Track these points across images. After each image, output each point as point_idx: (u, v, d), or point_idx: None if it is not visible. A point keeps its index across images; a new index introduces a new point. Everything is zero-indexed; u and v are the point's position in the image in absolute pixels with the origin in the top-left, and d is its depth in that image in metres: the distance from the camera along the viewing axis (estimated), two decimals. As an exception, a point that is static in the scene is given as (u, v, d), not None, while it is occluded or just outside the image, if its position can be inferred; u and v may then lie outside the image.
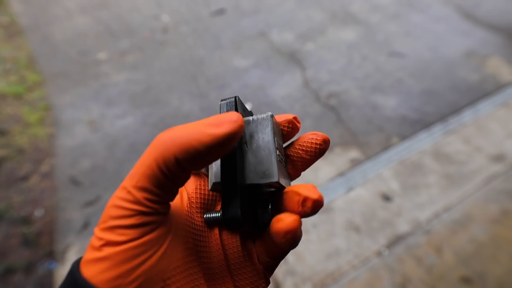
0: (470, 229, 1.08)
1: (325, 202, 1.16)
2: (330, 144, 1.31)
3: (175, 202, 0.20)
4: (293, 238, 0.18)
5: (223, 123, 0.16)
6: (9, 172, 1.31)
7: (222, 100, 0.21)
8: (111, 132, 1.43)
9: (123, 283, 0.15)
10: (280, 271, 1.00)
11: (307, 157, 0.21)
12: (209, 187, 0.20)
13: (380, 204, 1.15)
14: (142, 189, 0.16)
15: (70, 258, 1.06)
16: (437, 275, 0.98)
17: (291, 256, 1.04)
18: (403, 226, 1.09)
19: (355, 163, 1.27)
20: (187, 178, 0.17)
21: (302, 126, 1.43)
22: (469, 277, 0.98)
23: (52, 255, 1.07)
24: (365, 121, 1.42)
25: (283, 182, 0.20)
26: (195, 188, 0.21)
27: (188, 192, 0.21)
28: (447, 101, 1.49)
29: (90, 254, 0.16)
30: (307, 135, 0.21)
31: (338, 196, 1.17)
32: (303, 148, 0.21)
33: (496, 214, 1.11)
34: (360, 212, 1.13)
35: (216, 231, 0.20)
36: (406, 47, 1.75)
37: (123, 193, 0.16)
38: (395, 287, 0.96)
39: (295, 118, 0.22)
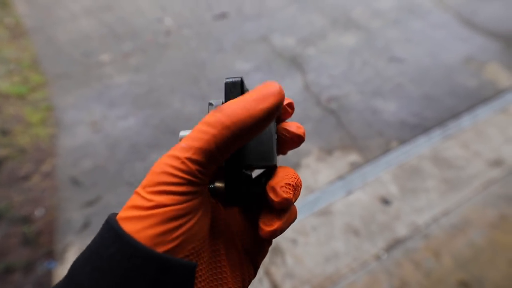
0: (468, 233, 1.08)
1: (325, 205, 1.17)
2: (330, 147, 1.33)
3: None
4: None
5: (269, 96, 0.18)
6: (10, 172, 1.32)
7: (227, 79, 0.22)
8: (112, 133, 1.44)
9: (164, 240, 0.16)
10: (279, 274, 1.01)
11: (293, 143, 0.23)
12: None
13: (379, 207, 1.16)
14: (197, 162, 0.17)
15: (70, 258, 1.07)
16: (435, 279, 0.99)
17: (290, 258, 1.04)
18: (401, 230, 1.09)
19: (354, 167, 1.28)
20: (235, 150, 0.19)
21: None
22: (467, 282, 0.98)
23: (52, 255, 1.08)
24: (365, 125, 1.43)
25: (277, 163, 0.22)
26: None
27: None
28: (446, 106, 1.50)
29: (133, 212, 0.17)
30: (294, 123, 0.23)
31: (337, 199, 1.18)
32: (290, 133, 0.23)
33: (494, 218, 1.11)
34: (359, 215, 1.13)
35: (220, 205, 0.23)
36: (406, 52, 1.77)
37: (177, 163, 0.17)
38: (393, 291, 0.97)
39: (292, 103, 0.24)
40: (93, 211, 1.18)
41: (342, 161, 1.30)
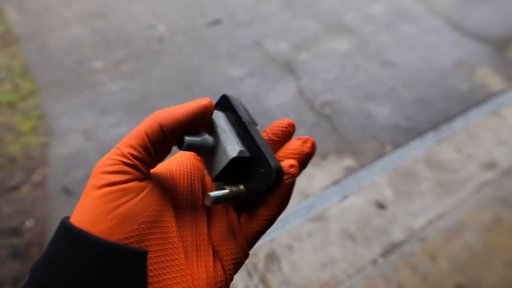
0: (464, 236, 1.08)
1: (320, 210, 1.16)
2: (325, 152, 1.32)
3: (165, 177, 0.23)
4: (293, 175, 0.21)
5: (195, 102, 0.22)
6: (0, 182, 1.29)
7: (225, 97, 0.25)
8: (105, 141, 1.42)
9: (104, 218, 0.17)
10: (275, 281, 0.99)
11: (277, 139, 0.24)
12: (213, 177, 0.23)
13: (374, 212, 1.15)
14: (129, 145, 0.20)
15: (61, 270, 1.04)
16: (432, 283, 0.98)
17: (286, 265, 1.03)
18: (397, 234, 1.09)
19: (349, 171, 1.27)
20: (168, 148, 0.21)
21: (297, 134, 1.44)
22: (464, 285, 0.98)
23: (42, 267, 1.05)
24: (359, 129, 1.43)
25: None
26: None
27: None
28: (438, 109, 1.52)
29: (81, 199, 0.19)
30: (276, 122, 0.25)
31: (332, 204, 1.17)
32: (273, 132, 0.24)
33: (489, 221, 1.12)
34: (354, 220, 1.13)
35: (202, 205, 0.23)
36: (398, 57, 1.79)
37: (114, 150, 0.20)
38: (390, 296, 0.96)
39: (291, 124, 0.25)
40: (85, 221, 1.15)
41: (336, 165, 1.29)
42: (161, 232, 0.20)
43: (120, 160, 0.19)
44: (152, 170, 0.22)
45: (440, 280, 0.99)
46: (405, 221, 1.12)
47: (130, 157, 0.19)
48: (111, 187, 0.18)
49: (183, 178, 0.24)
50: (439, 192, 1.20)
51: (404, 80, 1.66)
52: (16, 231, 1.14)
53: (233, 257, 0.22)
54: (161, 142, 0.20)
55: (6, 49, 1.93)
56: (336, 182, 1.24)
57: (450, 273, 1.00)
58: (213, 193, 0.20)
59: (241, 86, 1.65)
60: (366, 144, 1.37)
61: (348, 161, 1.31)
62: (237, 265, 0.22)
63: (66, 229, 0.17)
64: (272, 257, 1.04)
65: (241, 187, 0.22)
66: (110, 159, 0.19)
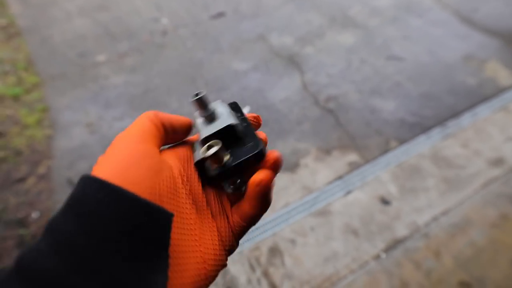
0: (468, 233, 1.07)
1: (324, 205, 1.16)
2: (329, 147, 1.31)
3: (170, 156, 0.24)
4: (266, 186, 0.23)
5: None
6: (5, 174, 1.30)
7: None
8: (109, 135, 1.43)
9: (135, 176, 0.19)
10: (277, 275, 1.00)
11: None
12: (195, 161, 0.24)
13: (378, 207, 1.14)
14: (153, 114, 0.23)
15: (66, 261, 1.05)
16: (436, 279, 0.98)
17: (288, 259, 1.03)
18: (401, 230, 1.08)
19: (353, 167, 1.26)
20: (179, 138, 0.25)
21: (301, 129, 1.44)
22: (468, 282, 0.97)
23: (48, 258, 1.06)
24: (364, 125, 1.42)
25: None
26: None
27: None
28: (445, 104, 1.49)
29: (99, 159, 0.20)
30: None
31: (336, 199, 1.17)
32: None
33: (494, 218, 1.10)
34: (358, 215, 1.12)
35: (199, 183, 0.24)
36: (404, 50, 1.76)
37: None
38: (393, 292, 0.95)
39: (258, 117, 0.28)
40: (89, 213, 1.16)
41: (340, 161, 1.28)
42: (182, 202, 0.21)
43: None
44: None
45: (443, 276, 0.98)
46: (409, 217, 1.11)
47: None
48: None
49: (181, 159, 0.25)
50: (444, 189, 1.19)
51: (410, 75, 1.63)
52: (22, 222, 1.15)
53: (230, 245, 0.24)
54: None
55: (10, 42, 1.93)
56: (340, 177, 1.23)
57: (454, 269, 0.99)
58: (203, 149, 0.23)
59: (244, 80, 1.64)
60: (371, 139, 1.36)
61: (352, 156, 1.30)
62: (230, 248, 0.24)
63: (98, 183, 0.17)
64: (275, 251, 1.04)
65: (227, 151, 0.23)
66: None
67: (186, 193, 0.22)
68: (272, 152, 0.24)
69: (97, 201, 0.17)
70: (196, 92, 0.23)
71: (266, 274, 1.00)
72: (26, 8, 2.18)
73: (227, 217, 0.24)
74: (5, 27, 2.03)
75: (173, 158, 0.23)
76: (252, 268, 1.01)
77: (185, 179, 0.23)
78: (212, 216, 0.24)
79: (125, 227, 0.17)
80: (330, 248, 1.05)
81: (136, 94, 1.60)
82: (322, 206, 1.15)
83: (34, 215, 1.17)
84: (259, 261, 1.02)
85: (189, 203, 0.22)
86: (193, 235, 0.21)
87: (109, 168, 0.19)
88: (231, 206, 0.25)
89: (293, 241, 1.07)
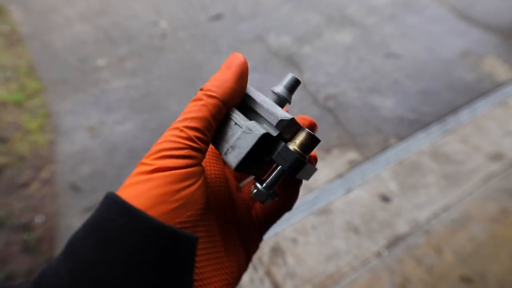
0: (469, 228, 1.08)
1: (324, 203, 1.16)
2: (329, 146, 1.32)
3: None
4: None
5: (232, 64, 0.21)
6: (9, 179, 1.32)
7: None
8: (110, 138, 1.44)
9: (168, 200, 0.17)
10: (280, 274, 1.01)
11: None
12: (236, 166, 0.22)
13: (379, 205, 1.15)
14: (194, 128, 0.19)
15: (71, 264, 1.06)
16: (437, 275, 0.98)
17: (290, 258, 1.04)
18: (402, 227, 1.09)
19: (353, 165, 1.27)
20: (220, 119, 0.21)
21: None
22: (469, 277, 0.97)
23: (53, 261, 1.08)
24: (363, 122, 1.42)
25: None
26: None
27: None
28: (444, 101, 1.50)
29: (135, 178, 0.18)
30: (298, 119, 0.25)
31: (337, 197, 1.18)
32: None
33: (495, 212, 1.11)
34: (359, 213, 1.13)
35: (232, 184, 0.24)
36: (402, 48, 1.77)
37: (176, 131, 0.19)
38: (395, 288, 0.96)
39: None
40: (93, 216, 1.18)
41: (341, 159, 1.29)
42: (208, 221, 0.20)
43: (188, 144, 0.18)
44: None
45: (445, 272, 0.99)
46: (410, 214, 1.12)
47: (198, 141, 0.19)
48: (177, 170, 0.17)
49: (212, 168, 0.24)
50: (444, 185, 1.19)
51: (409, 72, 1.64)
52: (26, 227, 1.16)
53: (256, 245, 0.23)
54: (222, 114, 0.20)
55: (12, 49, 1.95)
56: (340, 176, 1.24)
57: (455, 265, 1.00)
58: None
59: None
60: (370, 137, 1.36)
61: (352, 154, 1.30)
62: (257, 250, 0.24)
63: (121, 206, 0.16)
64: (277, 251, 1.05)
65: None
66: (175, 142, 0.18)
67: (213, 207, 0.21)
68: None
69: (119, 227, 0.16)
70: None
71: (268, 273, 1.01)
72: (27, 15, 2.20)
73: (253, 221, 0.23)
74: (7, 34, 2.06)
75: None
76: (255, 268, 1.02)
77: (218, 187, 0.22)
78: (238, 227, 0.23)
79: (148, 256, 0.16)
80: (332, 246, 1.06)
81: (137, 97, 1.62)
82: (323, 205, 1.16)
83: (38, 219, 1.19)
84: (261, 261, 1.03)
85: (216, 218, 0.21)
86: (218, 257, 0.20)
87: (139, 190, 0.17)
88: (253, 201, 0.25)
89: (294, 240, 1.07)
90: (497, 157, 1.27)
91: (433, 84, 1.57)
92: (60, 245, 1.11)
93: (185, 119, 0.19)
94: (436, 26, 1.89)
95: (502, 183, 1.18)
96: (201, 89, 0.20)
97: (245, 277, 1.00)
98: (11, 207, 1.22)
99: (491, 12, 1.95)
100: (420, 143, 1.33)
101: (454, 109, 1.46)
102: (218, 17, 2.06)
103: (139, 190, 0.17)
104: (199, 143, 0.19)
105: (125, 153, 1.38)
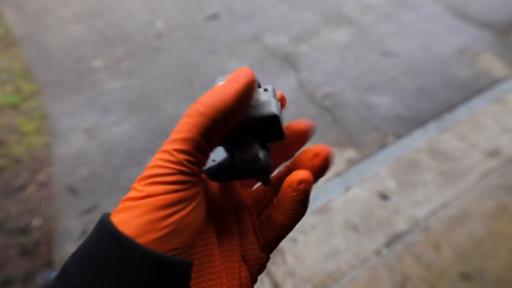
0: (467, 225, 1.08)
1: (323, 202, 1.16)
2: (327, 144, 1.32)
3: None
4: (305, 190, 0.20)
5: (238, 80, 0.19)
6: (6, 182, 1.31)
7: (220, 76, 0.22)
8: (107, 140, 1.43)
9: (155, 227, 0.16)
10: (279, 273, 1.00)
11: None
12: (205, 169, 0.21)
13: (377, 203, 1.15)
14: (183, 151, 0.18)
15: (69, 267, 1.06)
16: (436, 272, 0.98)
17: (290, 257, 1.04)
18: (401, 224, 1.09)
19: (351, 163, 1.27)
20: (221, 139, 0.19)
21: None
22: (468, 273, 0.98)
23: (51, 265, 1.07)
24: (361, 121, 1.43)
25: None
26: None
27: None
28: (441, 98, 1.50)
29: (125, 204, 0.17)
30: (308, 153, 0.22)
31: (335, 196, 1.18)
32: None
33: (492, 209, 1.11)
34: (358, 211, 1.13)
35: (229, 196, 0.23)
36: (398, 46, 1.77)
37: (165, 155, 0.18)
38: (394, 286, 0.96)
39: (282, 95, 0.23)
40: (91, 218, 1.17)
41: (339, 158, 1.29)
42: (205, 243, 0.19)
43: (177, 169, 0.17)
44: None
45: (444, 268, 0.99)
46: (408, 211, 1.12)
47: (188, 164, 0.18)
48: (166, 195, 0.17)
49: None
50: (442, 182, 1.20)
51: (405, 70, 1.64)
52: (24, 230, 1.16)
53: (260, 263, 0.22)
54: (216, 136, 0.19)
55: (6, 51, 1.93)
56: (338, 174, 1.24)
57: (454, 261, 1.00)
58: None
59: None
60: (368, 136, 1.37)
61: (350, 153, 1.31)
62: (262, 270, 0.22)
63: (110, 233, 0.16)
64: (276, 250, 1.05)
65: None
66: (164, 168, 0.17)
67: (215, 221, 0.20)
68: (321, 147, 0.20)
69: (108, 256, 0.16)
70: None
71: (268, 273, 1.01)
72: (22, 16, 2.18)
73: (257, 235, 0.22)
74: (1, 35, 2.04)
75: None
76: (254, 267, 1.02)
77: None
78: (240, 238, 0.22)
79: (137, 286, 0.16)
80: (331, 245, 1.06)
81: (133, 98, 1.61)
82: (322, 204, 1.16)
83: (36, 222, 1.18)
84: (260, 260, 1.03)
85: (215, 235, 0.20)
86: (217, 278, 0.19)
87: (129, 216, 0.17)
88: (257, 215, 0.23)
89: (294, 240, 1.07)
90: (494, 153, 1.28)
91: (429, 82, 1.58)
92: (58, 248, 1.10)
93: (174, 141, 0.18)
94: (432, 24, 1.89)
95: (499, 179, 1.19)
96: (196, 101, 0.19)
97: (245, 277, 1.00)
98: (8, 211, 1.21)
99: (486, 9, 1.96)
100: (417, 141, 1.33)
101: (451, 107, 1.46)
102: (214, 17, 2.05)
103: (128, 217, 0.17)
104: (190, 166, 0.18)
105: (122, 154, 1.37)
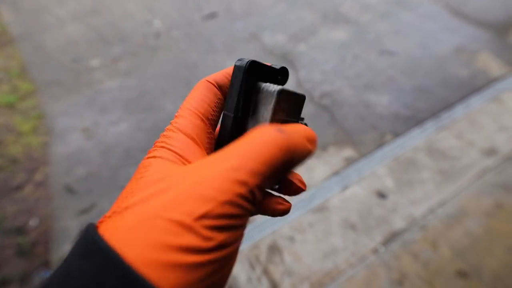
0: (465, 223, 1.08)
1: (321, 201, 1.17)
2: (325, 144, 1.32)
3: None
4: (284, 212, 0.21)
5: (315, 141, 0.18)
6: (2, 182, 1.30)
7: (238, 61, 0.21)
8: (105, 139, 1.43)
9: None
10: (277, 272, 1.00)
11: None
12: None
13: (375, 201, 1.16)
14: (261, 189, 0.15)
15: (66, 267, 1.05)
16: (434, 270, 0.99)
17: (288, 256, 1.04)
18: (398, 223, 1.10)
19: (349, 162, 1.27)
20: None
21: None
22: (465, 271, 0.98)
23: (48, 265, 1.07)
24: (359, 120, 1.43)
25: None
26: None
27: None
28: (438, 97, 1.51)
29: (184, 257, 0.13)
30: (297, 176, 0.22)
31: (333, 195, 1.18)
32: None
33: (490, 207, 1.12)
34: (355, 210, 1.13)
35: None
36: (396, 45, 1.77)
37: (245, 191, 0.14)
38: (392, 284, 0.97)
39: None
40: (89, 218, 1.16)
41: (337, 156, 1.29)
42: None
43: (249, 211, 0.15)
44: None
45: (441, 266, 0.99)
46: (406, 210, 1.13)
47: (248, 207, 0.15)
48: (233, 247, 0.14)
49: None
50: (440, 180, 1.20)
51: (403, 69, 1.65)
52: (21, 230, 1.15)
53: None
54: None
55: (2, 50, 1.92)
56: (336, 173, 1.24)
57: (451, 259, 1.01)
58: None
59: (239, 79, 1.64)
60: (366, 134, 1.37)
61: (348, 152, 1.31)
62: None
63: (86, 246, 0.14)
64: (274, 249, 1.05)
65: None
66: (239, 207, 0.14)
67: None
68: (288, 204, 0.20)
69: (79, 273, 0.13)
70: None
71: (266, 271, 1.01)
72: (18, 15, 2.17)
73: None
74: (-3, 35, 2.02)
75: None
76: (252, 267, 1.02)
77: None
78: None
79: None
80: (329, 243, 1.06)
81: (131, 97, 1.60)
82: (320, 202, 1.16)
83: (33, 222, 1.17)
84: (258, 259, 1.03)
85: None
86: None
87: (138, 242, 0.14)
88: None
89: (292, 238, 1.07)
90: (491, 152, 1.28)
91: (427, 81, 1.58)
92: (55, 248, 1.10)
93: (256, 173, 0.15)
94: (430, 23, 1.90)
95: (496, 177, 1.19)
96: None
97: (243, 276, 1.00)
98: (5, 210, 1.20)
99: (484, 8, 1.97)
100: (415, 139, 1.34)
101: (448, 105, 1.47)
102: (212, 16, 2.05)
103: (136, 240, 0.14)
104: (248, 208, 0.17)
105: (120, 154, 1.37)
